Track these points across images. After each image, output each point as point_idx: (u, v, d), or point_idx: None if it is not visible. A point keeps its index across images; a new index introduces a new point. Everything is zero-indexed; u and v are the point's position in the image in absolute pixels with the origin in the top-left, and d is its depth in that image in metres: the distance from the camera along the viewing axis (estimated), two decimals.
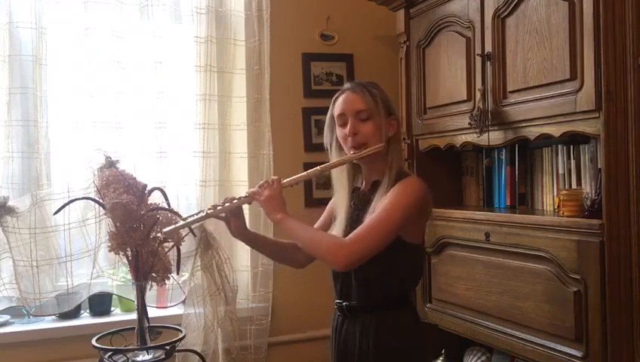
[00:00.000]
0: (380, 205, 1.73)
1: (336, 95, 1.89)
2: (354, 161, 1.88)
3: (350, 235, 1.71)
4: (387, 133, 1.83)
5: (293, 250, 1.96)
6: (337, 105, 1.85)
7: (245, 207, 2.78)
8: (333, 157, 1.91)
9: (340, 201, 1.91)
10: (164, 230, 1.97)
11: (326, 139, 1.93)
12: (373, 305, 1.82)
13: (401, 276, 1.81)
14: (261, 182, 1.85)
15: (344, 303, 1.86)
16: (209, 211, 1.87)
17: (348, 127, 1.81)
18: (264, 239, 2.09)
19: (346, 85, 1.88)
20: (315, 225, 2.00)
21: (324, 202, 2.07)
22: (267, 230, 2.89)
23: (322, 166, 1.87)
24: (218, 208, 1.87)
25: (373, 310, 1.82)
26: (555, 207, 2.27)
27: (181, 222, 1.95)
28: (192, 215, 1.93)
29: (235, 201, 1.87)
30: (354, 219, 1.85)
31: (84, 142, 2.61)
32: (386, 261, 1.74)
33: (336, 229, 1.87)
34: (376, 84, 1.89)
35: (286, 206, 1.80)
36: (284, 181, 1.84)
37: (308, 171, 1.88)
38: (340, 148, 1.89)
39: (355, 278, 1.81)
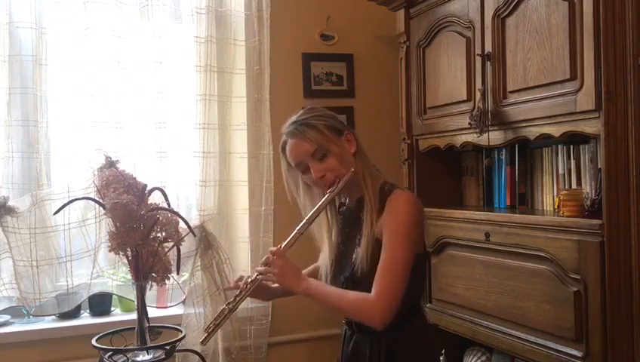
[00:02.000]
0: (383, 236, 1.69)
1: (281, 142, 1.83)
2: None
3: (374, 290, 1.66)
4: (349, 153, 1.78)
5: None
6: (289, 157, 1.80)
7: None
8: (303, 198, 1.87)
9: (321, 233, 1.88)
10: (201, 340, 1.89)
11: (290, 185, 1.88)
12: None
13: (409, 289, 1.75)
14: (263, 259, 1.80)
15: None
16: (231, 307, 1.81)
17: (312, 173, 1.75)
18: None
19: (285, 129, 1.80)
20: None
21: None
22: (267, 228, 2.89)
23: (308, 217, 1.80)
24: (238, 299, 1.81)
25: None
26: (555, 207, 2.27)
27: (212, 327, 1.84)
28: (218, 315, 1.85)
29: (248, 286, 1.81)
30: (345, 238, 1.84)
31: (84, 142, 2.61)
32: None
33: (325, 256, 1.86)
34: (312, 110, 1.81)
35: (298, 270, 1.78)
36: (283, 249, 1.78)
37: (298, 228, 1.80)
38: (308, 186, 1.85)
39: None
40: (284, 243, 1.79)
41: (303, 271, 1.88)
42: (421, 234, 1.80)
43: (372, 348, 1.78)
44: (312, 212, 1.81)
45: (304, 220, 1.80)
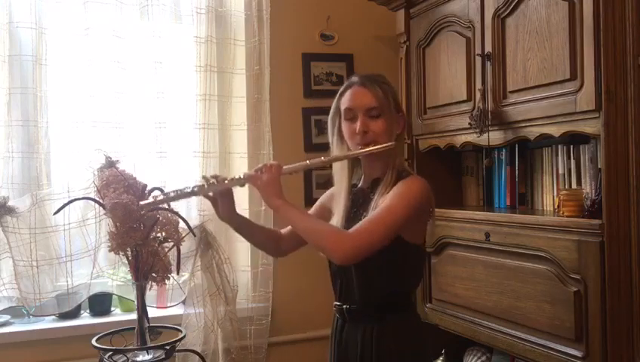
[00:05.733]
0: (382, 202, 1.68)
1: (343, 87, 1.80)
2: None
3: (352, 228, 1.63)
4: (396, 130, 1.78)
5: (277, 239, 1.94)
6: (345, 99, 1.77)
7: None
8: (334, 147, 1.84)
9: (337, 197, 1.85)
10: (142, 203, 1.87)
11: (329, 127, 1.85)
12: (374, 308, 1.75)
13: (403, 277, 1.76)
14: (259, 165, 1.75)
15: (344, 306, 1.80)
16: (195, 189, 1.75)
17: (357, 123, 1.73)
18: (250, 224, 1.98)
19: (355, 78, 1.79)
20: None
21: (307, 201, 2.01)
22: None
23: (326, 158, 1.79)
24: (206, 187, 1.74)
25: (375, 313, 1.75)
26: (555, 207, 2.27)
27: (162, 197, 1.83)
28: (177, 190, 1.78)
29: (226, 182, 1.76)
30: (351, 216, 1.80)
31: (84, 142, 2.61)
32: (389, 261, 1.69)
33: (332, 223, 1.80)
34: (384, 77, 1.81)
35: (283, 193, 1.70)
36: (285, 168, 1.74)
37: (310, 160, 1.77)
38: (342, 140, 1.81)
39: (357, 279, 1.75)
40: (288, 165, 1.76)
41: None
42: (422, 222, 1.77)
43: (364, 337, 1.75)
44: (331, 156, 1.81)
45: (319, 158, 1.78)
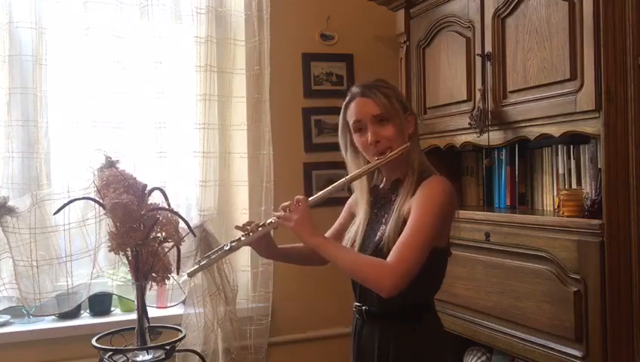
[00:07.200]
0: (410, 212, 1.66)
1: (346, 101, 1.81)
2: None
3: (390, 257, 1.61)
4: (407, 131, 1.77)
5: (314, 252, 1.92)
6: (351, 112, 1.78)
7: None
8: (349, 161, 1.85)
9: (359, 201, 1.86)
10: (189, 271, 1.91)
11: (341, 143, 1.87)
12: (394, 311, 1.73)
13: (425, 282, 1.72)
14: (286, 203, 1.76)
15: (363, 307, 1.79)
16: (233, 244, 1.81)
17: (369, 135, 1.74)
18: (291, 250, 1.99)
19: (355, 90, 1.80)
20: (335, 225, 1.98)
21: (325, 202, 2.00)
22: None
23: (347, 177, 1.80)
24: (242, 240, 1.80)
25: (395, 317, 1.73)
26: (555, 207, 2.27)
27: (205, 261, 1.87)
28: (215, 250, 1.88)
29: (260, 229, 1.80)
30: (372, 218, 1.80)
31: (84, 142, 2.61)
32: None
33: (354, 228, 1.82)
34: (384, 82, 1.82)
35: (316, 226, 1.72)
36: (311, 200, 1.77)
37: (334, 184, 1.79)
38: (356, 153, 1.83)
39: None
40: (313, 196, 1.80)
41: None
42: (448, 225, 1.75)
43: (381, 338, 1.74)
44: (352, 174, 1.80)
45: (343, 180, 1.79)
